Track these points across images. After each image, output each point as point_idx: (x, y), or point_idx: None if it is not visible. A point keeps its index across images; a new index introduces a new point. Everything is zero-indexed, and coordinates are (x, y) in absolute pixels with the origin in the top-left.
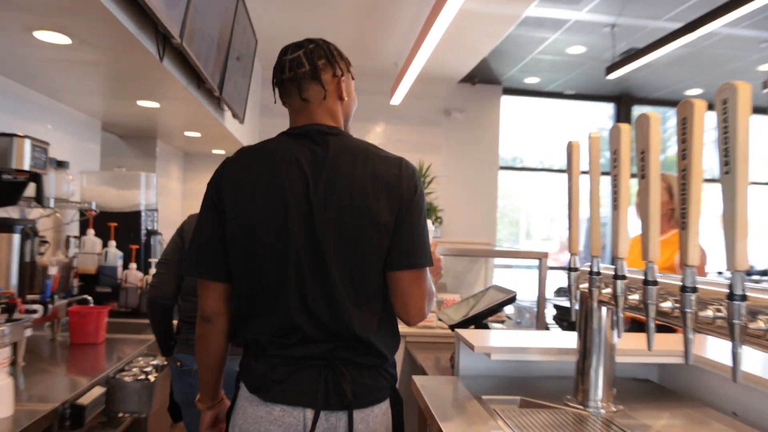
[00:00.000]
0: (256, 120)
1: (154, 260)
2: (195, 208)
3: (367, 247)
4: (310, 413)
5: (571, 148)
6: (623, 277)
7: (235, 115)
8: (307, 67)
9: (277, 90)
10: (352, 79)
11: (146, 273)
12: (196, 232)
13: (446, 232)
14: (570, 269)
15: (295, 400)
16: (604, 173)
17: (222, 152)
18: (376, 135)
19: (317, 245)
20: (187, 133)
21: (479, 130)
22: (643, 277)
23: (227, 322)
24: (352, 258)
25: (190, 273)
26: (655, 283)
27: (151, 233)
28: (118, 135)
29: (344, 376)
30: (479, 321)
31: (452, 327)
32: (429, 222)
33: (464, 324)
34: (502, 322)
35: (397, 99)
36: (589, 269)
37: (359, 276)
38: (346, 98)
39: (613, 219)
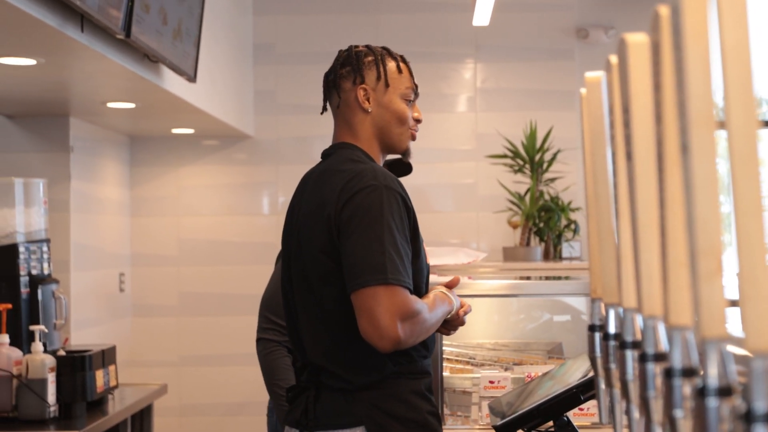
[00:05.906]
0: (242, 71)
1: (39, 328)
2: (152, 228)
3: (312, 271)
4: None
5: None
6: None
7: (177, 71)
8: (331, 76)
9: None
10: (412, 92)
11: (28, 350)
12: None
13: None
14: None
15: (289, 420)
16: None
17: (188, 131)
18: (461, 84)
19: (288, 274)
20: (113, 105)
21: None
22: None
23: None
24: (306, 283)
25: None
26: None
27: (39, 281)
28: (4, 115)
29: (310, 398)
30: (534, 424)
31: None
32: None
33: (510, 428)
34: None
35: (482, 15)
36: None
37: (314, 301)
38: (370, 110)
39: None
